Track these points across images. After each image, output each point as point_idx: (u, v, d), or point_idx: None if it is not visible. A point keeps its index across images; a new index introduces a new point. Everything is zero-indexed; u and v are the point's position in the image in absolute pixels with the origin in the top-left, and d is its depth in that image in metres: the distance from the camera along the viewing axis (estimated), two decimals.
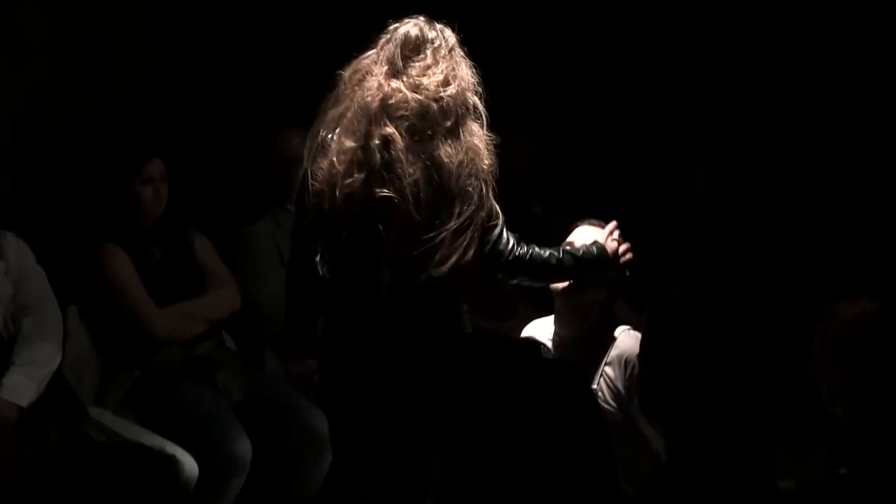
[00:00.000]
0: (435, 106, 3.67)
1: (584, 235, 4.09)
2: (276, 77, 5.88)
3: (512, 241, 3.88)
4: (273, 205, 5.19)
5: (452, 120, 3.70)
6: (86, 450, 4.18)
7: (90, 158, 4.80)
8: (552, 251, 3.94)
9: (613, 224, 4.03)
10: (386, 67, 3.71)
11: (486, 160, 3.77)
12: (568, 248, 4.02)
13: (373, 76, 3.71)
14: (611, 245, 3.99)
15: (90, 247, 4.56)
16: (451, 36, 3.81)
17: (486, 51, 3.96)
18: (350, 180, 3.64)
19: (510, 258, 3.88)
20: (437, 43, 3.78)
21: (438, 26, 3.80)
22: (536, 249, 3.92)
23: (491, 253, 3.84)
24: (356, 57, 3.76)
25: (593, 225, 4.13)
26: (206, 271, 4.74)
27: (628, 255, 4.01)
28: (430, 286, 3.85)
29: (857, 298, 2.98)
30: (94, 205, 4.68)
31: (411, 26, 3.78)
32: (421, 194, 3.69)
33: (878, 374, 2.63)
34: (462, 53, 3.80)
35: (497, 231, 3.84)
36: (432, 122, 3.67)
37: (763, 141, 6.33)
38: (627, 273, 4.04)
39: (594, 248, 3.98)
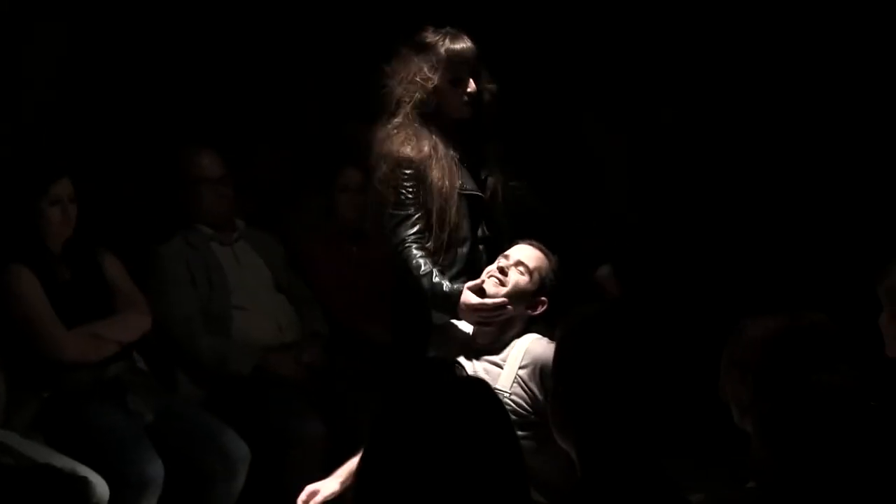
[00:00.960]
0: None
1: (520, 252, 4.23)
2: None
3: (407, 234, 4.34)
4: (184, 224, 5.14)
5: (387, 110, 4.38)
6: None
7: None
8: (426, 266, 4.29)
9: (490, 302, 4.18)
10: None
11: (396, 151, 4.34)
12: (434, 275, 4.28)
13: None
14: (469, 300, 4.19)
15: None
16: (431, 39, 4.37)
17: None
18: None
19: (392, 242, 4.36)
20: (416, 44, 4.39)
21: (432, 31, 4.39)
22: (415, 252, 4.32)
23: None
24: None
25: (531, 245, 4.27)
26: (116, 292, 4.68)
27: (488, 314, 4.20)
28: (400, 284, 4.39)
29: (764, 317, 3.03)
30: (0, 225, 4.61)
31: None
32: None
33: (784, 389, 2.67)
34: (432, 59, 4.35)
35: (395, 220, 4.35)
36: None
37: (676, 163, 6.39)
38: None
39: (445, 291, 4.26)
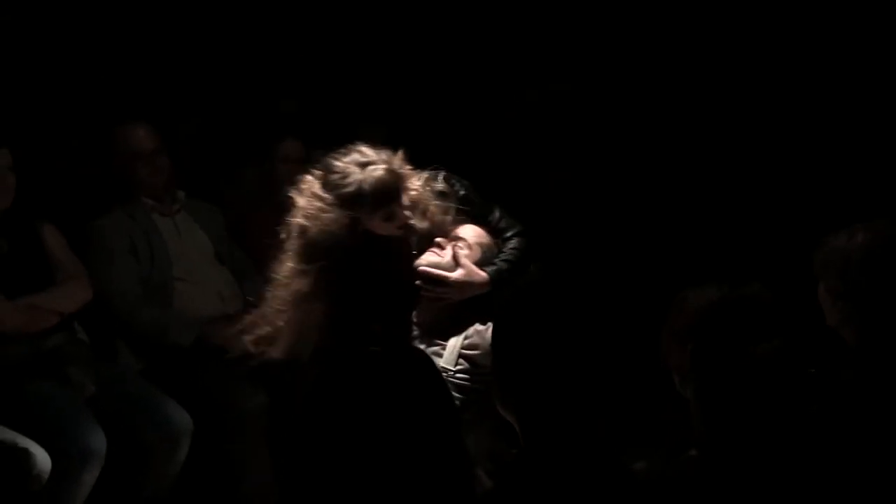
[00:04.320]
0: None
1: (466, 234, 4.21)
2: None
3: None
4: (124, 197, 5.11)
5: None
6: None
7: None
8: None
9: None
10: None
11: None
12: None
13: None
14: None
15: None
16: None
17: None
18: None
19: None
20: None
21: None
22: None
23: None
24: None
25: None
26: (55, 263, 4.63)
27: None
28: None
29: (705, 287, 3.06)
30: None
31: None
32: None
33: (721, 357, 2.70)
34: None
35: None
36: None
37: (614, 131, 6.42)
38: None
39: None
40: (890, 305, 3.15)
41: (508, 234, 4.26)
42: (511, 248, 4.22)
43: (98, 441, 4.23)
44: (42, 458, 4.08)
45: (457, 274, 4.11)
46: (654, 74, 6.32)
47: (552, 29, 6.36)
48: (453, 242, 4.18)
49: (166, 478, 4.52)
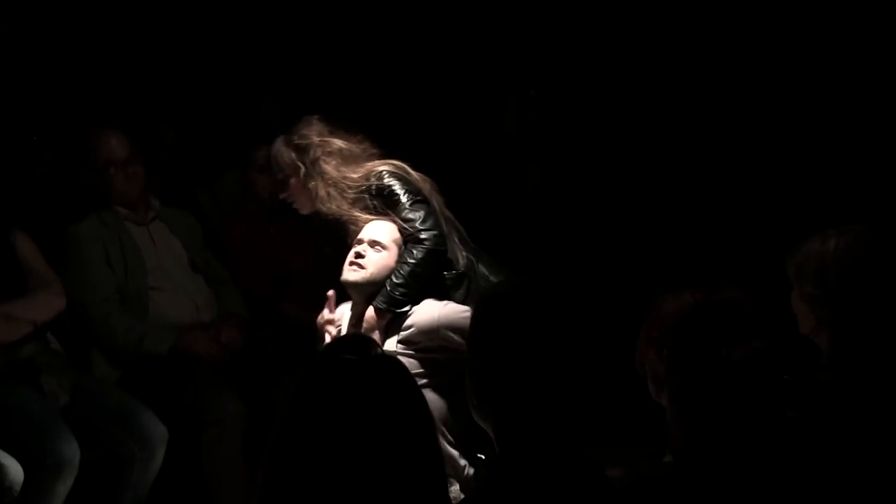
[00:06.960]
0: None
1: (372, 232, 4.42)
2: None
3: None
4: (98, 205, 5.08)
5: None
6: None
7: None
8: None
9: None
10: None
11: None
12: None
13: None
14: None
15: None
16: None
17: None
18: None
19: None
20: None
21: None
22: None
23: None
24: None
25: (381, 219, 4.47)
26: (29, 272, 4.59)
27: None
28: None
29: (682, 292, 3.05)
30: None
31: None
32: None
33: (697, 362, 2.69)
34: None
35: None
36: None
37: (593, 140, 6.43)
38: None
39: None
40: (866, 309, 3.15)
41: (416, 238, 4.40)
42: (406, 263, 4.37)
43: (71, 450, 4.21)
44: (14, 470, 4.06)
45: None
46: (631, 83, 6.34)
47: (536, 31, 6.38)
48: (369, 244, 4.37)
49: (142, 488, 4.50)
